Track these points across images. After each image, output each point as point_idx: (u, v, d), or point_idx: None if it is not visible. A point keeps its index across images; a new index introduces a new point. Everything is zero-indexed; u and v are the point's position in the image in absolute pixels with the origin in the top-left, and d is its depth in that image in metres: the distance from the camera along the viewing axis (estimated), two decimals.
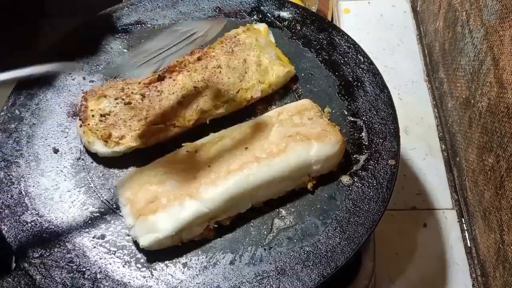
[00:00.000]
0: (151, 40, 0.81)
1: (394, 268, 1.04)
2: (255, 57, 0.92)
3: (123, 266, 0.75)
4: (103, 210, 0.80)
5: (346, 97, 0.92)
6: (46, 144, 0.87)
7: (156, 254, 0.76)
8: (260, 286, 0.73)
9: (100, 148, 0.83)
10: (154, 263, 0.75)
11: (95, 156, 0.85)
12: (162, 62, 0.79)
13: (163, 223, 0.74)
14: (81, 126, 0.85)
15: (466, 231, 1.09)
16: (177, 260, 0.76)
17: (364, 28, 1.42)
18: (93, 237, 0.77)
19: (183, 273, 0.74)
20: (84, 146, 0.86)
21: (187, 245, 0.77)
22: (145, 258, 0.76)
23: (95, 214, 0.80)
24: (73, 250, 0.76)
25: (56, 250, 0.76)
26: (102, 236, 0.77)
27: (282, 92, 0.93)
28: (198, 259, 0.76)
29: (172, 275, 0.74)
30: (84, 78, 0.95)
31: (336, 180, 0.82)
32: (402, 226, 1.09)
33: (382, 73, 0.94)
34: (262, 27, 0.98)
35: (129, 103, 0.87)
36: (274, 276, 0.73)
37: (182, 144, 0.82)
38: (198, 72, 0.91)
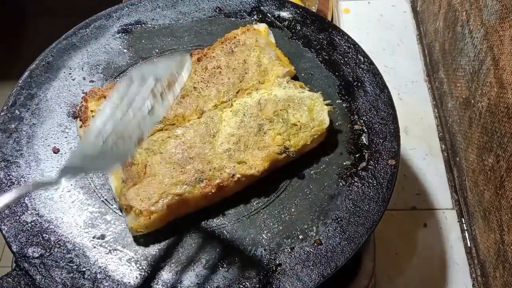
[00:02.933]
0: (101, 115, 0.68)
1: (394, 268, 1.04)
2: (255, 58, 0.92)
3: (123, 266, 0.75)
4: (103, 210, 0.80)
5: (346, 97, 0.92)
6: (46, 144, 0.87)
7: (156, 254, 0.76)
8: (260, 285, 0.73)
9: None
10: (154, 264, 0.75)
11: None
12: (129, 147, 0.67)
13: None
14: (81, 126, 0.85)
15: (466, 231, 1.09)
16: (177, 260, 0.76)
17: (364, 28, 1.42)
18: (93, 237, 0.77)
19: (183, 273, 0.74)
20: None
21: (187, 245, 0.77)
22: (145, 258, 0.76)
23: (95, 214, 0.80)
24: (73, 250, 0.76)
25: (56, 250, 0.76)
26: (102, 236, 0.77)
27: None
28: (198, 259, 0.76)
29: (172, 276, 0.74)
30: (84, 78, 0.95)
31: (336, 180, 0.82)
32: (402, 226, 1.09)
33: (382, 73, 0.94)
34: (262, 27, 0.98)
35: None
36: (274, 276, 0.73)
37: None
38: (198, 73, 0.91)
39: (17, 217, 0.79)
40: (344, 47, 0.98)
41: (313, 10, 1.31)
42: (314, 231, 0.77)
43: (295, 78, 0.94)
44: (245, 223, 0.79)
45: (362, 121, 0.89)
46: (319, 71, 0.96)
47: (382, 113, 0.89)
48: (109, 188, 0.82)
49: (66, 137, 0.88)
